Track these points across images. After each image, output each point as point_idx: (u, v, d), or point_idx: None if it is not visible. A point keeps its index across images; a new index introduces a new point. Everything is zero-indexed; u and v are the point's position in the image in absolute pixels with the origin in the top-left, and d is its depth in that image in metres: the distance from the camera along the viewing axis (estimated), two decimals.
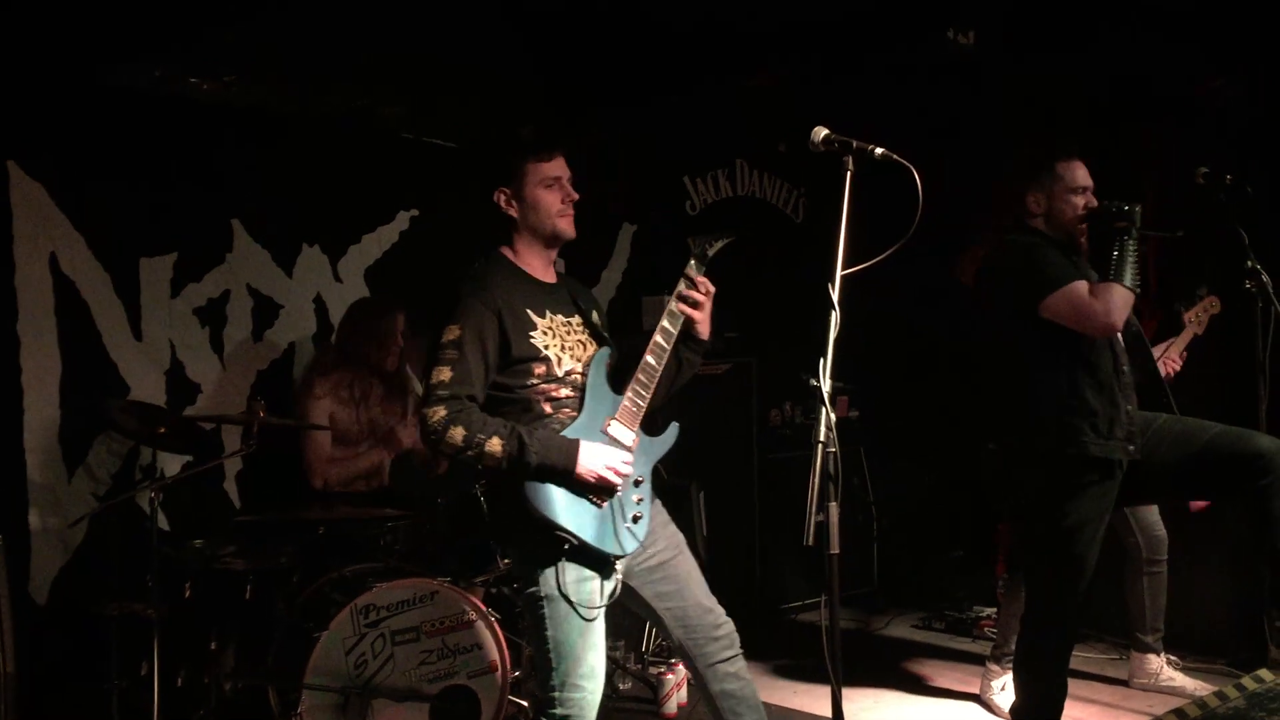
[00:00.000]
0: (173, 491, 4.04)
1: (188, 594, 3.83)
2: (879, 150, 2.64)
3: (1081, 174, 3.46)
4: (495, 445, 2.74)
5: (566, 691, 2.83)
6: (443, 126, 5.32)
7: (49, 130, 4.23)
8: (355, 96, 4.93)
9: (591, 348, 3.02)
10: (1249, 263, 3.71)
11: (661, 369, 2.97)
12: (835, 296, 2.58)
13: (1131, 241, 3.27)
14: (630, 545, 2.89)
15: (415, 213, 5.30)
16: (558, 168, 3.00)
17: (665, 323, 2.99)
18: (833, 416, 2.47)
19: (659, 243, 6.05)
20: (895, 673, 4.92)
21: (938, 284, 4.51)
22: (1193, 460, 3.30)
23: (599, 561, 2.86)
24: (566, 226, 3.00)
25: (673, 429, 3.06)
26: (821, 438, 2.44)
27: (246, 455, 3.90)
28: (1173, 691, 4.35)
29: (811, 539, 2.41)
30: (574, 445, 2.79)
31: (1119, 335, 3.39)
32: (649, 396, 2.96)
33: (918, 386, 6.44)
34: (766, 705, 4.43)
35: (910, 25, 4.69)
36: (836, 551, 2.44)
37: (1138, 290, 3.28)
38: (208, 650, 3.67)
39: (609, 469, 2.81)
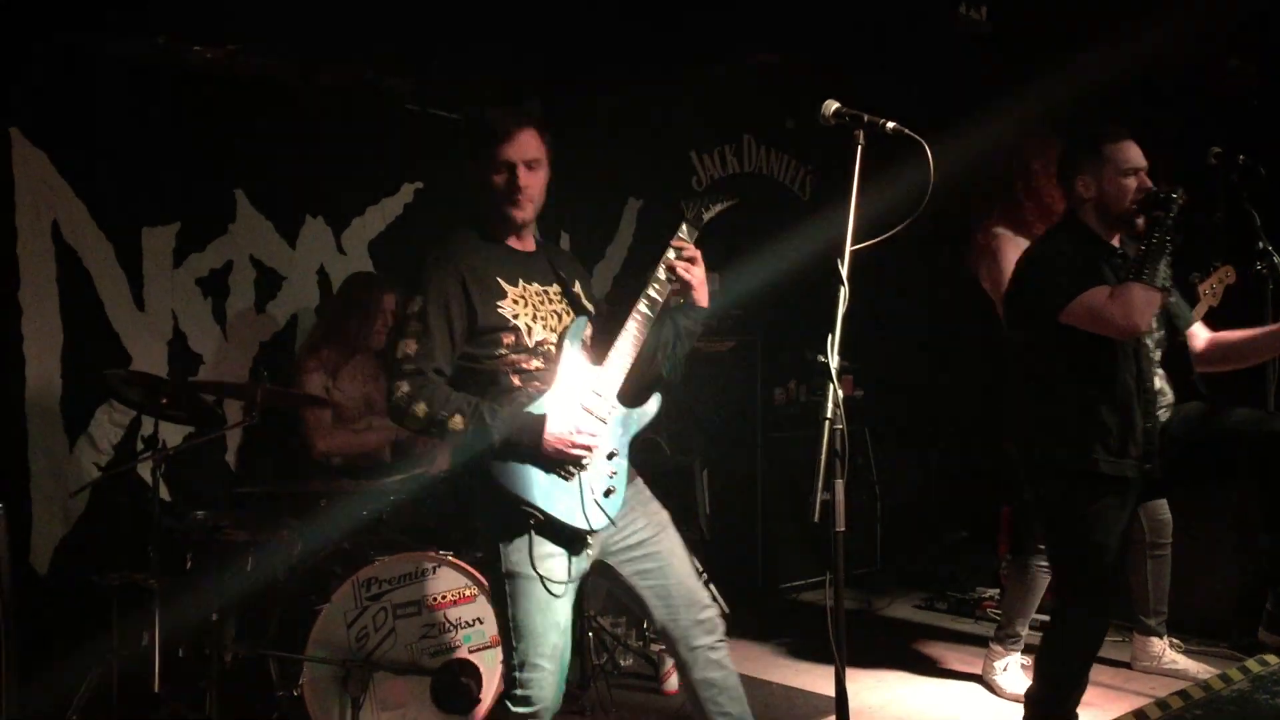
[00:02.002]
0: (174, 462, 4.02)
1: (189, 565, 3.82)
2: (890, 124, 2.61)
3: (1133, 154, 3.29)
4: (457, 422, 2.69)
5: (526, 672, 2.75)
6: (448, 98, 5.28)
7: (52, 98, 4.20)
8: (360, 67, 4.90)
9: (568, 318, 2.93)
10: (1260, 244, 3.68)
11: (643, 339, 2.88)
12: (844, 272, 2.56)
13: (1163, 233, 3.13)
14: (600, 521, 2.79)
15: (420, 185, 5.27)
16: (512, 150, 2.85)
17: (650, 290, 2.88)
18: (840, 393, 2.45)
19: (665, 219, 6.02)
20: (898, 653, 4.91)
21: (942, 266, 4.48)
22: (1215, 444, 3.23)
23: (568, 537, 2.77)
24: (514, 212, 2.89)
25: (654, 401, 2.95)
26: (829, 415, 2.42)
27: (248, 427, 3.88)
28: (1175, 674, 4.34)
29: (817, 516, 2.39)
30: (539, 420, 2.71)
31: (1149, 346, 3.28)
32: (629, 366, 2.87)
33: (922, 367, 6.44)
34: (768, 684, 4.47)
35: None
36: (842, 529, 2.43)
37: (1164, 288, 3.13)
38: (208, 621, 3.66)
39: (577, 441, 2.72)
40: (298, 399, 4.24)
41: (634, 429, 2.92)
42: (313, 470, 4.30)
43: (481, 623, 3.72)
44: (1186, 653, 4.49)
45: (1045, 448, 3.32)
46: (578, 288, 3.03)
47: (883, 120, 2.62)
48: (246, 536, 3.80)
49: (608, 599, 4.40)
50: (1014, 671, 4.33)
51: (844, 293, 2.55)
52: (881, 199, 2.69)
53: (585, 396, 2.81)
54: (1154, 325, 3.30)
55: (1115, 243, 3.35)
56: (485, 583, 3.72)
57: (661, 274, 2.89)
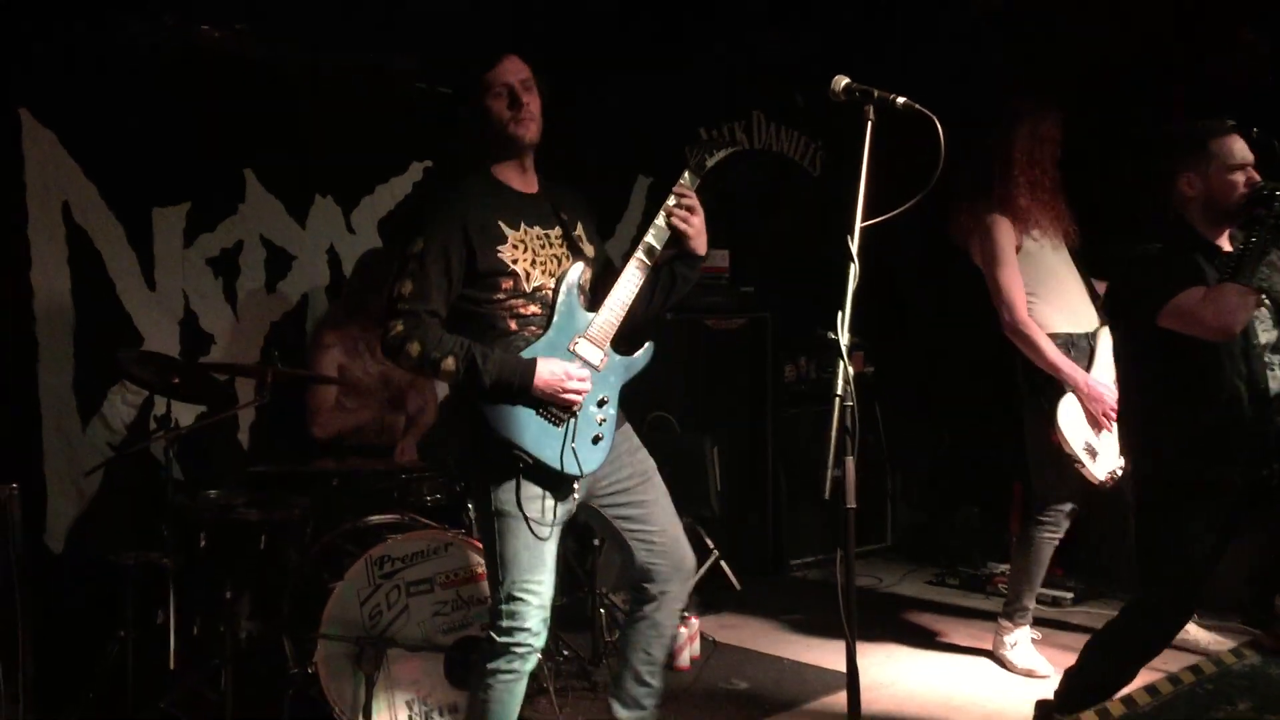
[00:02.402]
0: (187, 442, 4.03)
1: (203, 543, 3.84)
2: (901, 100, 2.60)
3: (1239, 149, 3.18)
4: (450, 364, 2.73)
5: (510, 604, 2.82)
6: (455, 76, 5.25)
7: (62, 78, 4.19)
8: (367, 45, 4.88)
9: (566, 263, 2.94)
10: None
11: (640, 286, 2.91)
12: (854, 249, 2.56)
13: (1265, 232, 3.01)
14: (590, 465, 2.85)
15: (428, 163, 5.25)
16: (505, 73, 2.90)
17: (649, 238, 2.91)
18: (850, 370, 2.45)
19: None
20: (908, 629, 4.93)
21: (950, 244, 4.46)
22: None
23: (555, 480, 2.83)
24: (519, 131, 2.90)
25: (646, 349, 2.99)
26: (839, 391, 2.42)
27: (260, 406, 3.88)
28: (1187, 647, 4.34)
29: (828, 493, 2.40)
30: (530, 364, 2.75)
31: (1260, 346, 3.13)
32: (623, 314, 2.90)
33: (934, 343, 6.42)
34: (779, 660, 4.49)
35: None
36: (853, 506, 2.43)
37: (1261, 287, 3.02)
38: (223, 600, 3.68)
39: (567, 387, 2.77)
40: (308, 378, 4.25)
41: (625, 376, 2.97)
42: (325, 449, 4.32)
43: None
44: (1203, 627, 4.48)
45: (1147, 451, 3.27)
46: (579, 230, 3.04)
47: (893, 95, 2.61)
48: (259, 515, 3.82)
49: (619, 576, 4.41)
50: (1024, 646, 4.34)
51: (854, 269, 2.54)
52: (893, 174, 2.68)
53: (578, 343, 2.86)
54: (1269, 325, 3.18)
55: (1223, 242, 3.25)
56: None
57: (661, 221, 2.91)
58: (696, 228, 2.96)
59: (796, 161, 6.74)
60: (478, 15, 4.76)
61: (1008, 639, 4.37)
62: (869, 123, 2.61)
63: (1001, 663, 4.38)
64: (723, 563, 5.23)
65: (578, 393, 2.80)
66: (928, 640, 4.78)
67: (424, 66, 5.13)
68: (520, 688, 2.90)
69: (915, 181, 2.55)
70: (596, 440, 2.88)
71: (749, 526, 5.89)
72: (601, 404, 2.89)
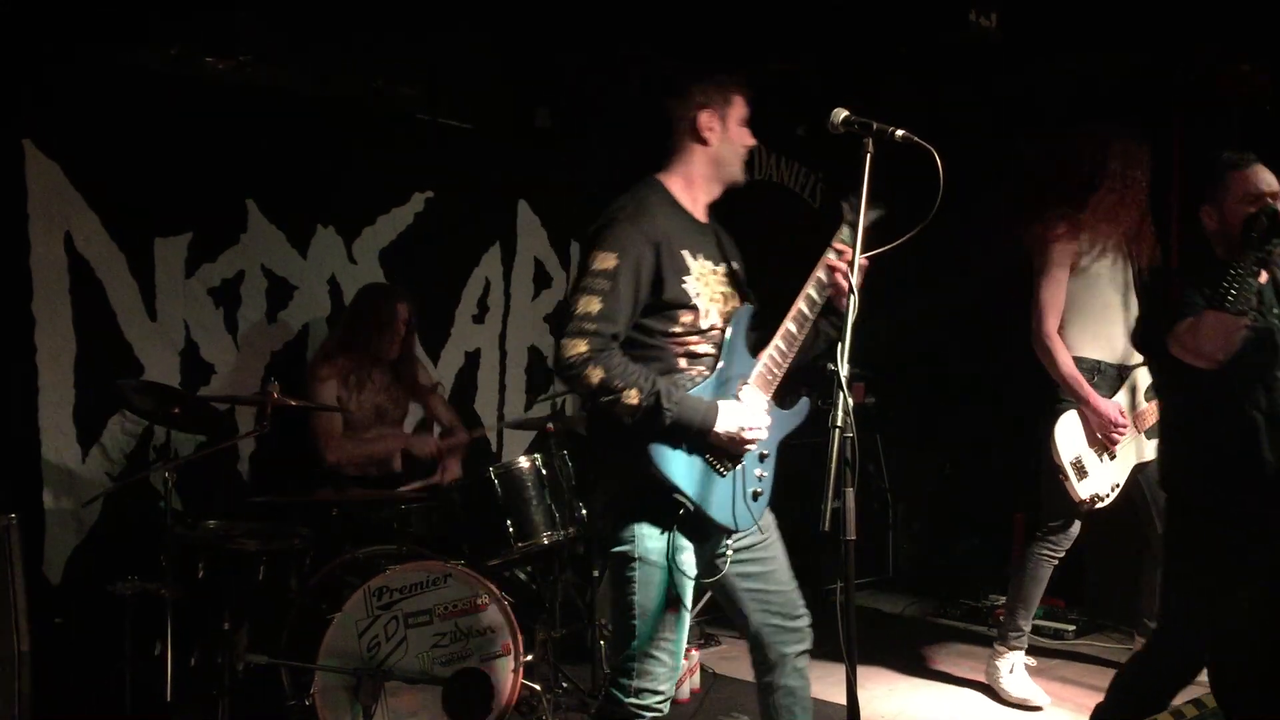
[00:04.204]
0: (186, 472, 4.03)
1: (201, 574, 3.83)
2: (900, 132, 2.61)
3: (1258, 181, 3.13)
4: (632, 397, 2.55)
5: (643, 662, 2.67)
6: (457, 107, 5.30)
7: (65, 109, 4.21)
8: (370, 76, 4.91)
9: (734, 302, 2.82)
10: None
11: (802, 338, 2.80)
12: (855, 281, 2.57)
13: (1250, 254, 2.97)
14: (746, 521, 2.73)
15: (430, 194, 5.28)
16: (746, 105, 2.85)
17: (810, 290, 2.78)
18: (850, 401, 2.45)
19: None
20: (910, 660, 4.90)
21: (955, 274, 4.49)
22: None
23: (706, 533, 2.70)
24: (740, 172, 2.87)
25: (803, 405, 2.86)
26: (839, 423, 2.41)
27: (260, 436, 3.87)
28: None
29: (828, 525, 2.38)
30: (714, 406, 2.61)
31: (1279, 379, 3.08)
32: (785, 365, 2.79)
33: (934, 373, 6.42)
34: None
35: (933, 6, 4.65)
36: (853, 538, 2.42)
37: (1241, 312, 2.91)
38: (221, 630, 3.67)
39: (744, 437, 2.64)
40: (308, 408, 4.25)
41: (785, 431, 2.84)
42: (325, 480, 4.32)
43: (493, 632, 3.72)
44: None
45: (1174, 479, 3.27)
46: (741, 272, 2.91)
47: (892, 128, 2.62)
48: (258, 546, 3.81)
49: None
50: (1019, 674, 4.29)
51: (853, 301, 2.55)
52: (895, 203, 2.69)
53: (743, 389, 2.73)
54: None
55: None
56: (497, 592, 3.73)
57: (822, 275, 2.81)
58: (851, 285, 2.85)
59: (796, 192, 6.76)
60: (479, 48, 4.80)
61: (1002, 664, 4.32)
62: (868, 155, 2.62)
63: (996, 692, 4.33)
64: None
65: (755, 440, 2.68)
66: (929, 672, 4.76)
67: (427, 98, 5.17)
68: None
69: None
70: (756, 496, 2.75)
71: None
72: (763, 458, 2.78)
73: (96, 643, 3.91)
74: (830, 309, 2.85)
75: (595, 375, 2.56)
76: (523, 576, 4.55)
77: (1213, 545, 3.10)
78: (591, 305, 2.59)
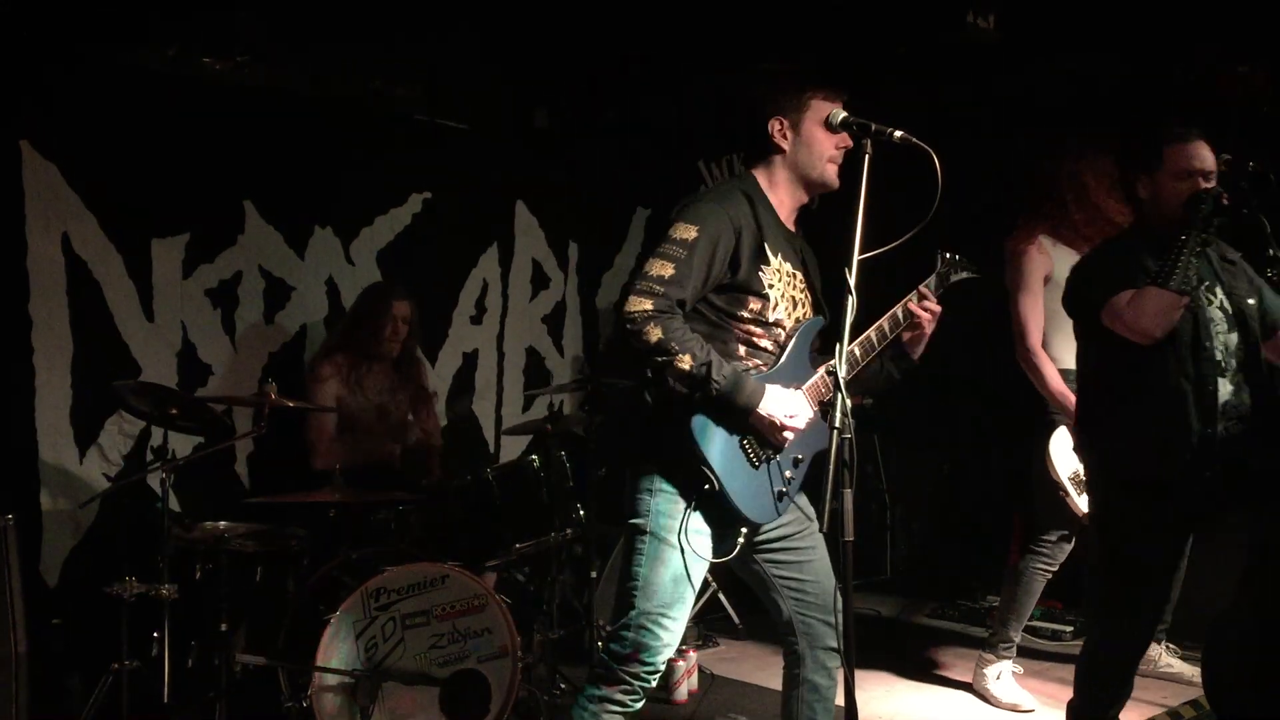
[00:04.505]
0: (184, 473, 4.03)
1: (199, 575, 3.83)
2: (898, 133, 2.62)
3: (1193, 157, 3.15)
4: (685, 361, 2.55)
5: (638, 634, 2.67)
6: (456, 108, 5.29)
7: (62, 111, 4.22)
8: (368, 77, 4.91)
9: (805, 309, 2.87)
10: (1271, 251, 3.66)
11: (863, 364, 2.83)
12: (852, 281, 2.56)
13: (1191, 235, 3.03)
14: (766, 517, 2.74)
15: (428, 195, 5.28)
16: (842, 114, 2.80)
17: (885, 323, 2.84)
18: (848, 403, 2.45)
19: None
20: (907, 662, 4.90)
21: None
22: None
23: (723, 520, 2.71)
24: (833, 176, 2.84)
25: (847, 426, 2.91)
26: (837, 424, 2.41)
27: (257, 437, 3.87)
28: (1171, 678, 4.35)
29: (826, 526, 2.38)
30: (761, 388, 2.63)
31: (1210, 349, 3.11)
32: (841, 385, 2.75)
33: (933, 374, 6.41)
34: (778, 693, 4.44)
35: (931, 7, 4.64)
36: (851, 539, 2.42)
37: (1184, 291, 2.99)
38: (218, 632, 3.67)
39: (785, 424, 2.64)
40: (305, 408, 4.25)
41: (822, 445, 2.76)
42: (322, 481, 4.31)
43: (490, 633, 3.71)
44: (1182, 657, 4.46)
45: (1096, 451, 3.29)
46: (818, 286, 2.94)
47: (890, 129, 2.62)
48: (256, 547, 3.81)
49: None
50: (1007, 680, 4.30)
51: (852, 302, 2.55)
52: (893, 204, 2.69)
53: (798, 393, 2.73)
54: (1225, 328, 3.17)
55: None
56: (494, 593, 3.73)
57: (900, 313, 2.86)
58: (925, 332, 2.90)
59: None
60: (478, 48, 4.79)
61: (989, 671, 4.32)
62: (866, 155, 2.62)
63: (984, 696, 4.33)
64: (721, 595, 5.21)
65: (794, 431, 2.68)
66: (927, 673, 4.75)
67: (425, 98, 5.16)
68: None
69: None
70: (781, 496, 2.76)
71: None
72: (796, 462, 2.78)
73: (94, 644, 3.91)
74: (899, 353, 2.91)
75: (654, 334, 2.57)
76: (520, 577, 4.55)
77: (1137, 517, 3.12)
78: (665, 269, 2.63)
